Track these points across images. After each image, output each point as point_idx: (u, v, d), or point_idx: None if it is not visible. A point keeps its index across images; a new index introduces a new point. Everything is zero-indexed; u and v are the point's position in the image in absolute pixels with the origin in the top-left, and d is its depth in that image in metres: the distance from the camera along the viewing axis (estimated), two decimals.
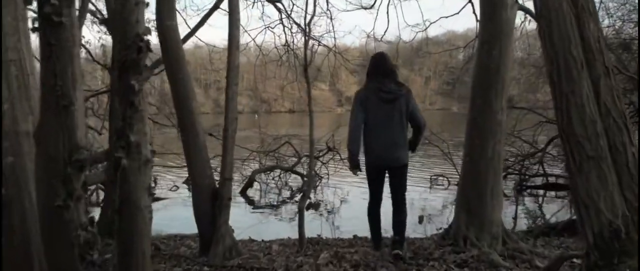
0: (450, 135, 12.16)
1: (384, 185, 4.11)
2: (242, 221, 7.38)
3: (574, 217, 7.49)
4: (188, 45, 7.53)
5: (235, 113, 4.04)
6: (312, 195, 9.98)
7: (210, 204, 3.99)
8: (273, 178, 11.25)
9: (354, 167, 4.02)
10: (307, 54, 4.95)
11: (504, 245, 4.30)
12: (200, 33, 8.35)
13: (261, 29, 7.53)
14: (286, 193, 10.23)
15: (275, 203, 9.38)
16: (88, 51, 7.78)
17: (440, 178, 10.81)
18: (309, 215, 8.35)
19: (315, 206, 4.81)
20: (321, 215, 8.41)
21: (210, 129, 12.84)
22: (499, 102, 4.40)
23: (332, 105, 76.94)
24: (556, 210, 8.38)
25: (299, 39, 11.55)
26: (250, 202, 9.58)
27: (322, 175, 11.45)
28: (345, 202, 9.29)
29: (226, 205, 3.96)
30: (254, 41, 7.83)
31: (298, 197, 9.77)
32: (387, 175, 4.09)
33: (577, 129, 2.51)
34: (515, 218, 6.82)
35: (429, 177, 10.91)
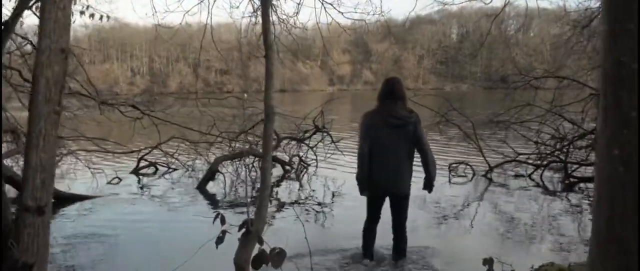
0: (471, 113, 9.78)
1: (382, 208, 4.09)
2: (185, 244, 5.00)
3: None
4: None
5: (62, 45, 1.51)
6: (299, 186, 7.59)
7: None
8: (247, 166, 8.77)
9: (363, 191, 4.02)
10: None
11: None
12: None
13: None
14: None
15: (243, 203, 6.90)
16: None
17: (462, 165, 8.42)
18: (291, 211, 6.02)
19: (274, 262, 2.04)
20: (308, 212, 6.19)
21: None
22: None
23: (324, 85, 74.15)
24: None
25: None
26: (210, 200, 7.12)
27: (309, 162, 9.06)
28: (339, 196, 7.04)
29: None
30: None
31: (275, 196, 7.32)
32: (388, 200, 4.07)
33: None
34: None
35: (448, 164, 8.48)
